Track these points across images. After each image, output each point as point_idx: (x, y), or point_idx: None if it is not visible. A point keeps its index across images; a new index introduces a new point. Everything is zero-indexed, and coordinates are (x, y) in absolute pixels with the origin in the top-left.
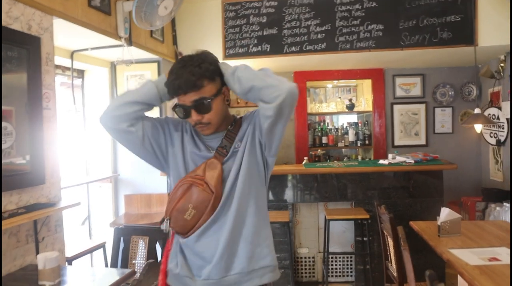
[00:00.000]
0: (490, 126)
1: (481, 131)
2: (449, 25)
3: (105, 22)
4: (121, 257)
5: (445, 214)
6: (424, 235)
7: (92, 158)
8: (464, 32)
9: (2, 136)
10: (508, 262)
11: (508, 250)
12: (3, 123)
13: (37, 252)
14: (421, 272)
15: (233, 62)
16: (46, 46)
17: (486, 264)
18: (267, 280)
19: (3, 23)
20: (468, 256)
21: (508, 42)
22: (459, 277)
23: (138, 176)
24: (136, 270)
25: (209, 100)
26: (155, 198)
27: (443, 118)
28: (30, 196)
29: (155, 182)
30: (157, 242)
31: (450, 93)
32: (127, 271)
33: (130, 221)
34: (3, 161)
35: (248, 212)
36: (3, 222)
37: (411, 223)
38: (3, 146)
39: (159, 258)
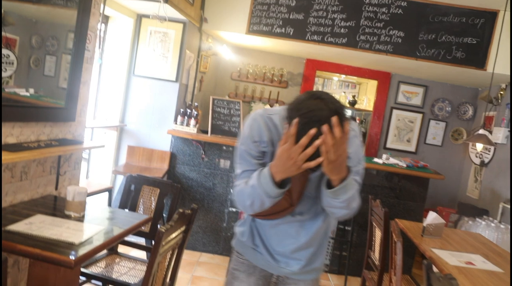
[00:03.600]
0: (475, 147)
1: (467, 150)
2: (465, 46)
3: None
4: (130, 204)
5: (432, 217)
6: (409, 233)
7: (101, 104)
8: (477, 55)
9: (3, 64)
10: (482, 267)
11: (482, 258)
12: (6, 51)
13: (57, 185)
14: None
15: (254, 39)
16: None
17: (463, 266)
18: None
19: None
20: (447, 257)
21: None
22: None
23: (144, 130)
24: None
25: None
26: (157, 154)
27: (436, 131)
28: (59, 131)
29: (159, 138)
30: (167, 195)
31: (447, 109)
32: (144, 216)
33: (130, 172)
34: (6, 90)
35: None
36: (41, 150)
37: (397, 220)
38: (2, 74)
39: (165, 210)
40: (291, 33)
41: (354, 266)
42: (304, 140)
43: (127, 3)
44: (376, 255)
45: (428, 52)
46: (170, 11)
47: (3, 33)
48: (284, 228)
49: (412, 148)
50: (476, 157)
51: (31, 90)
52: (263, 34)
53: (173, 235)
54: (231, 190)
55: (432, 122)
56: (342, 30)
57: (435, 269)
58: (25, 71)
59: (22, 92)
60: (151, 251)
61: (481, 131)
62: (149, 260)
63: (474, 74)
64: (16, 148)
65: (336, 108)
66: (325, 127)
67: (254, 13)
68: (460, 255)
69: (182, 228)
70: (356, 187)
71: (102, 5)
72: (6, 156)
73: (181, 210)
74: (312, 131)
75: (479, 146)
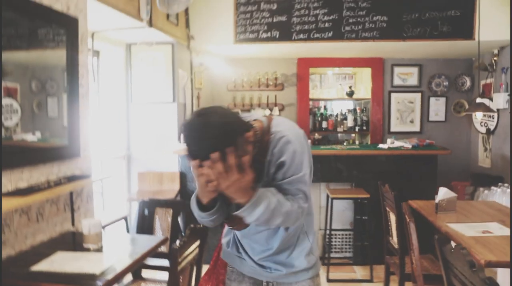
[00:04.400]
0: (477, 117)
1: (472, 121)
2: (449, 19)
3: (129, 4)
4: (147, 228)
5: (443, 192)
6: (423, 212)
7: (106, 136)
8: (462, 26)
9: (8, 113)
10: (499, 234)
11: (499, 225)
12: (9, 100)
13: (73, 221)
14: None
15: (243, 47)
16: (81, 27)
17: (480, 236)
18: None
19: (47, 3)
20: (463, 229)
21: (502, 38)
22: None
23: (150, 154)
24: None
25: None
26: (167, 176)
27: (437, 107)
28: (67, 168)
29: (166, 160)
30: (180, 214)
31: (444, 83)
32: (160, 237)
33: (144, 197)
34: (14, 138)
35: None
36: (51, 190)
37: (410, 201)
38: (9, 123)
39: (181, 227)
40: (277, 36)
41: (377, 254)
42: (194, 171)
43: (113, 34)
44: (394, 239)
45: (414, 32)
46: (156, 35)
47: (3, 84)
48: (254, 238)
49: (416, 128)
50: (481, 125)
51: (38, 134)
52: (250, 41)
53: (189, 250)
54: None
55: (432, 99)
56: (326, 25)
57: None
58: (29, 117)
59: (30, 137)
60: (169, 269)
61: (478, 100)
62: (169, 278)
63: (465, 45)
64: (28, 191)
65: (212, 126)
66: (205, 164)
67: (238, 23)
68: (476, 225)
69: (197, 243)
70: (273, 205)
71: (90, 40)
72: (19, 200)
73: (192, 226)
74: (193, 162)
75: (479, 115)
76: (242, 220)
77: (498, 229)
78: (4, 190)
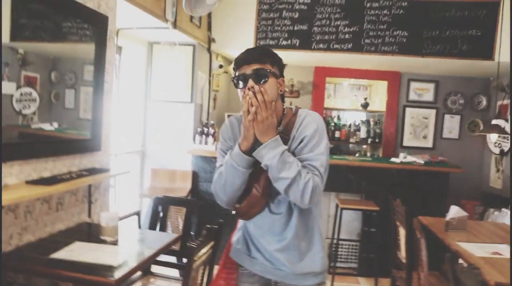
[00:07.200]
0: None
1: (486, 141)
2: (470, 38)
3: (156, 5)
4: (159, 224)
5: (454, 211)
6: (433, 229)
7: (122, 131)
8: (483, 46)
9: (26, 101)
10: (509, 256)
11: (509, 247)
12: (28, 89)
13: (90, 213)
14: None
15: None
16: (111, 25)
17: (489, 257)
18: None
19: (81, 1)
20: (473, 249)
21: None
22: None
23: (165, 152)
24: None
25: (268, 71)
26: (179, 174)
27: (451, 125)
28: (88, 161)
29: (180, 159)
30: (193, 213)
31: (460, 101)
32: (174, 235)
33: (155, 193)
34: (32, 126)
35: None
36: (74, 181)
37: (420, 217)
38: (27, 111)
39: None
40: (297, 44)
41: (382, 267)
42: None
43: (138, 33)
44: (402, 253)
45: (434, 48)
46: (179, 36)
47: (25, 73)
48: (268, 227)
49: (429, 144)
50: (495, 146)
51: (55, 124)
52: (270, 48)
53: (203, 250)
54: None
55: (447, 117)
56: (347, 36)
57: (463, 263)
58: (47, 107)
59: (47, 127)
60: (185, 267)
61: (494, 121)
62: (184, 276)
63: (484, 65)
64: (51, 180)
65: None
66: (249, 86)
67: (259, 29)
68: (486, 246)
69: (211, 243)
70: (291, 159)
71: (115, 37)
72: (44, 189)
73: (208, 226)
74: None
75: (494, 137)
76: (260, 196)
77: (508, 251)
78: (28, 178)
